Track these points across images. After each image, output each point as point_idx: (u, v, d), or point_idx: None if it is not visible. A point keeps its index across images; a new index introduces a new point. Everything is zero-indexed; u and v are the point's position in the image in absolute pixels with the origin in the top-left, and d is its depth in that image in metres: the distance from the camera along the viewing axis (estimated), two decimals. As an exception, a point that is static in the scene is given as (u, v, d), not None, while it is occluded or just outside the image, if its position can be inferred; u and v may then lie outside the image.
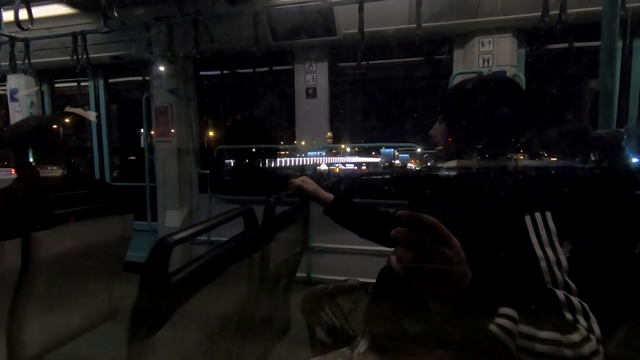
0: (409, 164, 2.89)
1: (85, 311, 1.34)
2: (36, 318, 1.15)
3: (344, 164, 3.03)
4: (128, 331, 0.56)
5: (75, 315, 1.29)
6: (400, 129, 3.12)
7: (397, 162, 2.93)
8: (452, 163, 0.85)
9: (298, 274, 1.59)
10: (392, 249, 0.51)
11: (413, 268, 0.48)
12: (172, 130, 3.22)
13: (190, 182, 3.41)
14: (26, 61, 2.92)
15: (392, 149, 3.00)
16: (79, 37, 2.81)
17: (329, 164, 2.95)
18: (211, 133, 3.67)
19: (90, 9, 2.95)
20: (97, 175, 3.72)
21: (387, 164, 2.95)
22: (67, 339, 1.28)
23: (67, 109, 1.30)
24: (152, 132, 3.29)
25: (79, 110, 1.29)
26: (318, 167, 2.95)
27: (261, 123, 3.58)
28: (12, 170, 1.27)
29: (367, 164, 3.04)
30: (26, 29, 2.17)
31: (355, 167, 3.07)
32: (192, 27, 2.57)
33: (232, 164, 3.43)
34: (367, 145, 3.14)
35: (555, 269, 0.62)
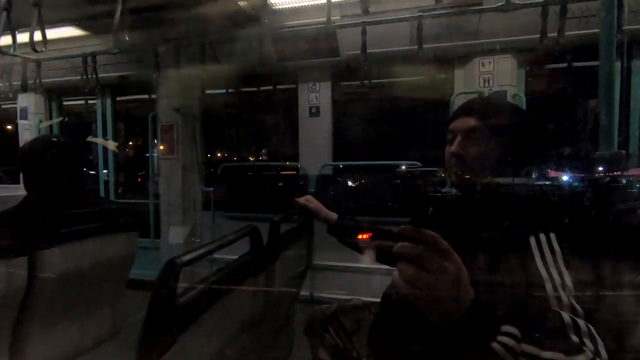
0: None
1: (89, 329, 1.34)
2: (40, 336, 1.14)
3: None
4: (137, 353, 0.56)
5: (79, 333, 1.29)
6: (402, 146, 3.16)
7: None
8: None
9: (301, 293, 1.58)
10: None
11: (415, 283, 0.48)
12: (177, 148, 3.27)
13: (194, 199, 3.43)
14: (37, 81, 3.00)
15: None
16: (88, 58, 2.89)
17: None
18: (215, 150, 3.71)
19: (100, 31, 3.05)
20: (102, 192, 3.75)
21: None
22: (70, 357, 1.27)
23: (89, 138, 1.34)
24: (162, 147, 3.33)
25: (100, 140, 1.33)
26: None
27: (265, 141, 3.62)
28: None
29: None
30: (40, 51, 2.24)
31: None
32: (199, 48, 2.64)
33: (235, 182, 3.45)
34: (369, 163, 3.16)
35: (561, 291, 0.62)
